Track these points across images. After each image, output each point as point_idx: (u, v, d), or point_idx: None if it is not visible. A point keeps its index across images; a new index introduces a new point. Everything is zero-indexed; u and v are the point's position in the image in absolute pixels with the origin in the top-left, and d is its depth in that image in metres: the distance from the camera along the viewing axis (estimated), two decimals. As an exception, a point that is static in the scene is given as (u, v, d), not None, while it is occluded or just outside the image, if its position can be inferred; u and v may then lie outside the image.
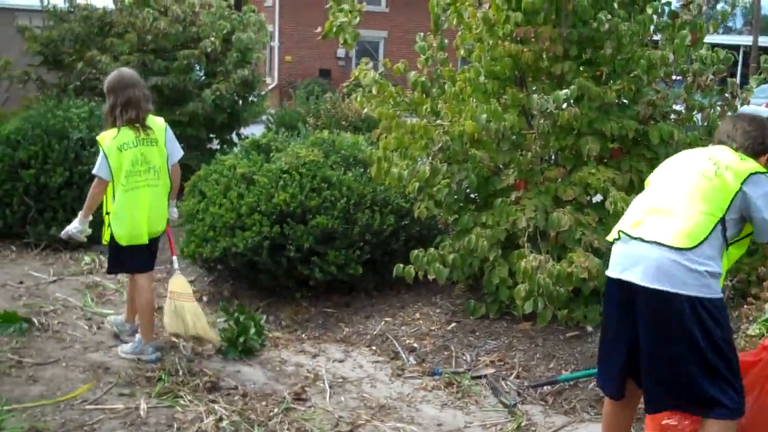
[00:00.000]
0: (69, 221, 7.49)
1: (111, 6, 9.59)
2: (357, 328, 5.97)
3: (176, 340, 5.51)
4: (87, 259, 7.42)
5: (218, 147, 9.89)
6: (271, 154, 6.66)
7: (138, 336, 5.32)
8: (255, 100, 10.00)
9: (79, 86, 9.24)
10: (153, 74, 8.97)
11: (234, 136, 9.98)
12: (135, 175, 5.03)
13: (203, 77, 9.47)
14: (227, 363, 5.23)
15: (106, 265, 7.04)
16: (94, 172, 5.07)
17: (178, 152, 5.42)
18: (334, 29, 5.77)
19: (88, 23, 9.42)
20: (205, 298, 6.55)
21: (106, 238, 5.18)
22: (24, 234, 7.82)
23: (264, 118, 11.48)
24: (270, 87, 25.01)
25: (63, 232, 5.37)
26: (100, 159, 5.01)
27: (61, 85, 9.54)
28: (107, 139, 5.01)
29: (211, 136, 9.84)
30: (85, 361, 5.16)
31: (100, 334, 5.67)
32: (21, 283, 6.82)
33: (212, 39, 9.00)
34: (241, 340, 5.35)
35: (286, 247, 5.96)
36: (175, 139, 5.38)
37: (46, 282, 6.87)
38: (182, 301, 5.33)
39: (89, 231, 5.33)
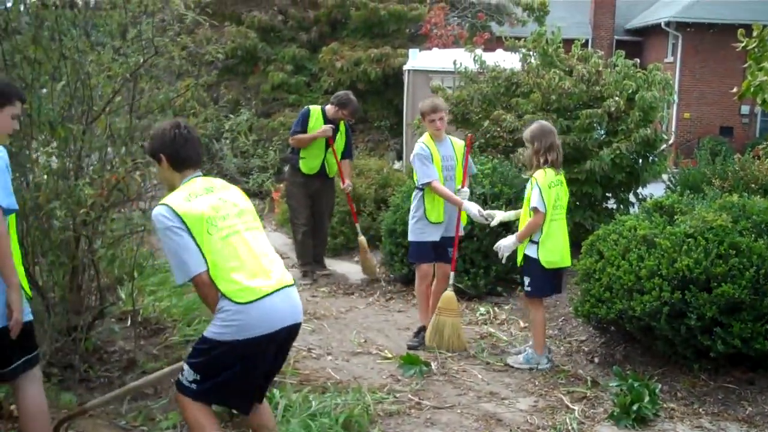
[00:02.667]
0: (467, 272, 7.90)
1: (518, 67, 9.93)
2: (762, 409, 5.47)
3: (567, 403, 5.50)
4: (482, 309, 7.68)
5: (614, 206, 9.74)
6: (675, 217, 6.41)
7: (530, 349, 6.28)
8: (656, 159, 9.72)
9: (484, 143, 9.65)
10: (554, 132, 9.10)
11: (631, 196, 9.77)
12: (556, 209, 6.08)
13: (603, 136, 9.41)
14: (619, 429, 5.08)
15: (502, 317, 7.31)
16: (533, 205, 6.00)
17: None
18: (752, 89, 5.44)
19: (495, 83, 9.83)
20: (596, 359, 6.45)
21: (520, 261, 6.30)
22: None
23: (665, 177, 11.08)
24: (667, 144, 24.26)
25: (497, 247, 6.37)
26: (536, 194, 5.98)
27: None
28: (541, 177, 6.04)
29: (607, 195, 9.72)
30: (479, 410, 5.32)
31: (493, 385, 5.82)
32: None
33: (616, 98, 8.92)
34: (634, 407, 5.18)
35: (687, 314, 5.67)
36: None
37: (445, 329, 7.21)
38: (445, 316, 6.48)
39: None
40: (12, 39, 5.05)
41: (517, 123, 9.26)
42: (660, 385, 5.68)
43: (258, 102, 16.18)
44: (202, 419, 3.84)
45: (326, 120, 8.67)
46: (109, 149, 5.37)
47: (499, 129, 9.46)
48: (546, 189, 5.99)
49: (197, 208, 3.79)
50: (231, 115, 5.87)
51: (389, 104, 16.73)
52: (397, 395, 5.48)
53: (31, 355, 4.00)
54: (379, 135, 16.56)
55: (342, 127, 8.84)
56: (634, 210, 9.06)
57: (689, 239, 5.86)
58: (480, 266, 8.00)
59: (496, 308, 7.66)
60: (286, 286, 3.90)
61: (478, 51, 10.43)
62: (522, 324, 7.34)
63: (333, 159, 8.75)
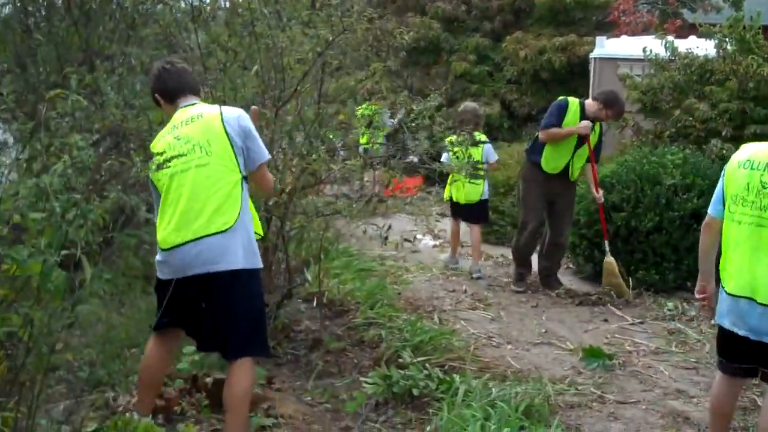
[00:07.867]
0: (657, 264, 7.66)
1: (712, 53, 9.49)
2: None
3: (760, 404, 5.22)
4: (670, 305, 7.39)
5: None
6: None
7: None
8: None
9: (674, 133, 9.29)
10: (752, 122, 8.65)
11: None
12: None
13: (806, 126, 8.84)
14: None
15: (691, 313, 7.01)
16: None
17: None
18: None
19: (688, 71, 9.42)
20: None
21: None
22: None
23: None
24: None
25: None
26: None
27: (656, 132, 9.69)
28: None
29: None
30: (665, 407, 5.13)
31: (681, 382, 5.60)
32: (605, 320, 7.07)
33: (821, 85, 8.38)
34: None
35: None
36: None
37: (629, 323, 7.01)
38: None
39: None
40: (209, 29, 5.34)
41: (711, 112, 8.87)
42: None
43: (446, 88, 16.23)
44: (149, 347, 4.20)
45: (583, 116, 7.78)
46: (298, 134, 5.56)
47: (691, 118, 9.10)
48: None
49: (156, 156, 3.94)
50: (420, 98, 5.95)
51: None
52: (579, 387, 5.37)
53: None
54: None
55: (598, 128, 7.93)
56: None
57: None
58: (669, 260, 7.72)
59: (685, 304, 7.34)
60: (204, 236, 3.92)
61: (670, 38, 10.04)
62: (713, 321, 7.01)
63: (579, 161, 7.86)
